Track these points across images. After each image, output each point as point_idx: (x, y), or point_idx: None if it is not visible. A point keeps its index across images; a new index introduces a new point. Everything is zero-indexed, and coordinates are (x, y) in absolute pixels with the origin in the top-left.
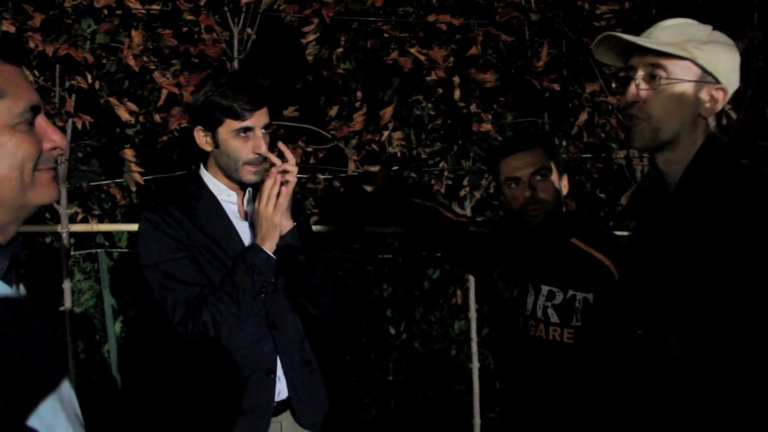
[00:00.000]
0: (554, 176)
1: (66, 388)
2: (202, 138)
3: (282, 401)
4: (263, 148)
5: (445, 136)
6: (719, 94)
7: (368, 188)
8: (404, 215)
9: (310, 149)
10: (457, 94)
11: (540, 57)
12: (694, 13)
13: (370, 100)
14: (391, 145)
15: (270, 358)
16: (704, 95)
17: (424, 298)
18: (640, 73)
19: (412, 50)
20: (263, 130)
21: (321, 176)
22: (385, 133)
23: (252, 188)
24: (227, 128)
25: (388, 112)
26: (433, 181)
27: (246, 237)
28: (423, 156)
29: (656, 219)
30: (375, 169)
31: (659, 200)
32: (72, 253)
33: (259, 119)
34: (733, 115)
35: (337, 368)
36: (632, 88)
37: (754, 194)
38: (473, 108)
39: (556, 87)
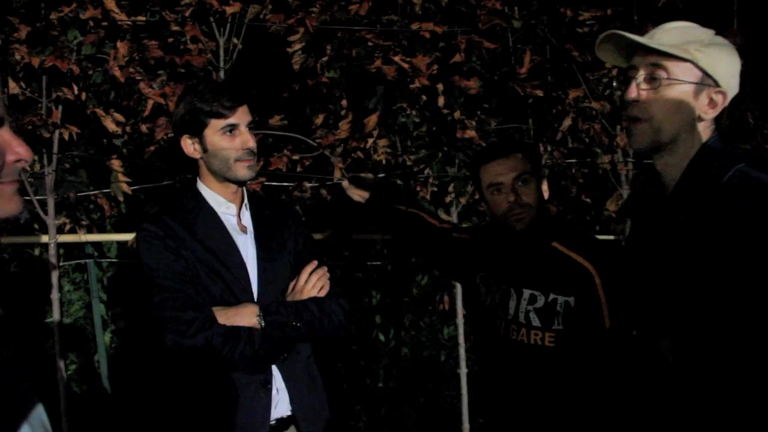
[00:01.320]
0: (536, 180)
1: (37, 411)
2: (189, 146)
3: (284, 417)
4: (251, 143)
5: (431, 142)
6: (719, 98)
7: (354, 196)
8: (388, 222)
9: (296, 157)
10: (441, 101)
11: (523, 64)
12: (675, 18)
13: (355, 108)
14: (377, 153)
15: (267, 371)
16: (704, 98)
17: (412, 304)
18: (641, 73)
19: (396, 58)
20: (248, 128)
21: (308, 184)
22: (370, 141)
23: (249, 200)
24: (213, 129)
25: (372, 120)
26: (418, 188)
27: (245, 250)
28: (408, 163)
29: (653, 222)
30: (360, 177)
31: (656, 203)
32: (61, 263)
33: (242, 116)
34: None
35: (329, 376)
36: (633, 88)
37: (751, 200)
38: (457, 115)
39: (539, 93)
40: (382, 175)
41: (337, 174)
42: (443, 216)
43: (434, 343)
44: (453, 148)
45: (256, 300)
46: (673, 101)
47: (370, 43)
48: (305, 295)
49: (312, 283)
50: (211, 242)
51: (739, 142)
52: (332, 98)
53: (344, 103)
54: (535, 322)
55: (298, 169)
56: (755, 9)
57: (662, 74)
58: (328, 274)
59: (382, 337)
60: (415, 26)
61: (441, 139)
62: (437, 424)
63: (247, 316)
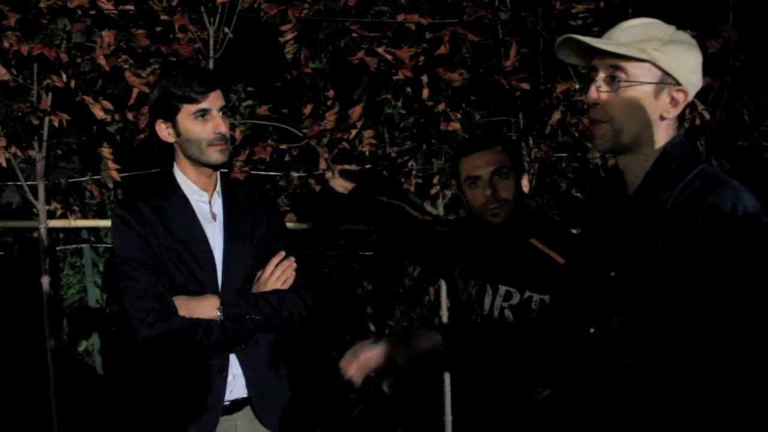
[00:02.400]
0: (515, 175)
1: None
2: (164, 131)
3: (239, 400)
4: (223, 127)
5: (417, 134)
6: (680, 96)
7: (337, 187)
8: (371, 213)
9: (284, 147)
10: (425, 93)
11: (509, 56)
12: (671, 12)
13: (342, 99)
14: (361, 144)
15: (223, 356)
16: (664, 97)
17: (404, 295)
18: (601, 75)
19: (380, 50)
20: (220, 113)
21: (295, 174)
22: (353, 132)
23: (223, 187)
24: (185, 113)
25: (356, 111)
26: (402, 180)
27: (214, 238)
28: (392, 155)
29: (614, 221)
30: (343, 168)
31: (618, 202)
32: (59, 248)
33: (214, 101)
34: (707, 115)
35: (323, 365)
36: (592, 90)
37: (712, 201)
38: (442, 107)
39: (526, 86)
40: (368, 166)
41: (323, 164)
42: (429, 208)
43: None
44: (439, 140)
45: (220, 288)
46: (633, 102)
47: (355, 35)
48: (269, 287)
49: (276, 275)
50: (179, 229)
51: (735, 139)
52: (315, 89)
53: (331, 93)
54: (510, 319)
55: (287, 158)
56: (751, 3)
57: (621, 75)
58: (294, 266)
59: (373, 328)
60: (400, 17)
61: (429, 131)
62: (425, 414)
63: (207, 308)
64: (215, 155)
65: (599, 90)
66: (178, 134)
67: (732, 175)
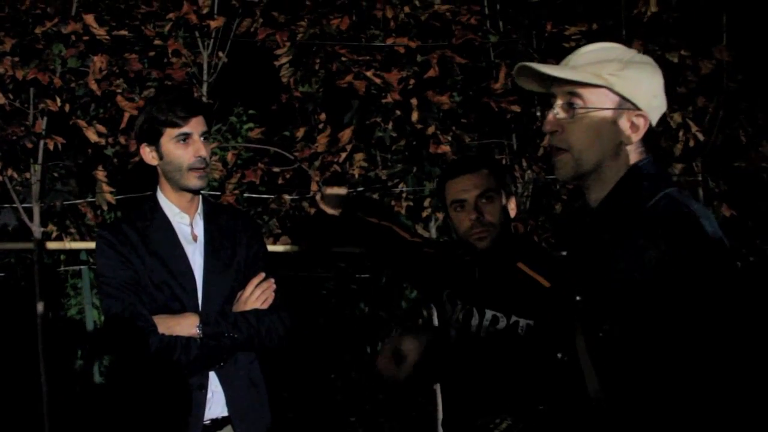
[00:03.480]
0: (501, 198)
1: None
2: (148, 154)
3: (219, 419)
4: (203, 152)
5: (409, 157)
6: (640, 121)
7: (327, 209)
8: (361, 235)
9: (277, 170)
10: (414, 116)
11: (498, 79)
12: (665, 34)
13: (334, 123)
14: (352, 167)
15: (202, 374)
16: (624, 123)
17: (401, 317)
18: (559, 102)
19: (368, 73)
20: (202, 138)
21: (287, 197)
22: (343, 155)
23: (206, 210)
24: (168, 137)
25: (346, 134)
26: (393, 202)
27: (194, 259)
28: (383, 177)
29: (580, 244)
30: (332, 190)
31: (582, 229)
32: (59, 269)
33: (196, 126)
34: (701, 137)
35: (322, 387)
36: (550, 118)
37: (668, 239)
38: (431, 130)
39: (516, 108)
40: (361, 188)
41: (314, 187)
42: (421, 231)
43: None
44: (430, 163)
45: (200, 307)
46: (592, 129)
47: (344, 58)
48: (248, 307)
49: (256, 295)
50: (161, 250)
51: (732, 160)
52: (305, 112)
53: (322, 117)
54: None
55: (279, 181)
56: (745, 25)
57: (578, 102)
58: (274, 286)
59: (369, 350)
60: (390, 41)
61: (420, 154)
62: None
63: (186, 326)
64: (194, 180)
65: (556, 117)
66: (160, 157)
67: (729, 196)
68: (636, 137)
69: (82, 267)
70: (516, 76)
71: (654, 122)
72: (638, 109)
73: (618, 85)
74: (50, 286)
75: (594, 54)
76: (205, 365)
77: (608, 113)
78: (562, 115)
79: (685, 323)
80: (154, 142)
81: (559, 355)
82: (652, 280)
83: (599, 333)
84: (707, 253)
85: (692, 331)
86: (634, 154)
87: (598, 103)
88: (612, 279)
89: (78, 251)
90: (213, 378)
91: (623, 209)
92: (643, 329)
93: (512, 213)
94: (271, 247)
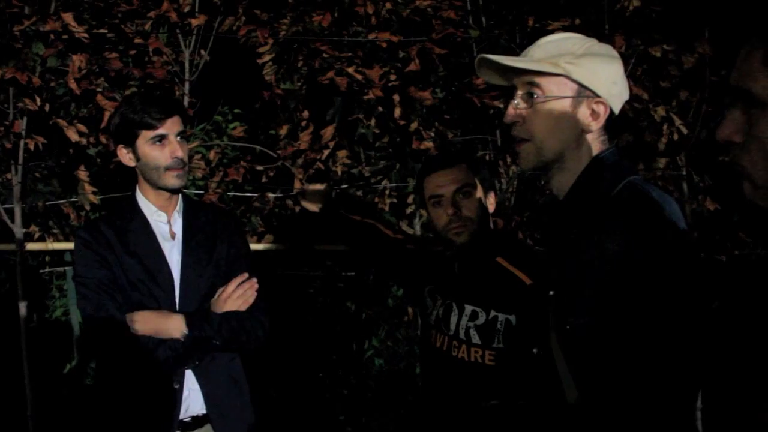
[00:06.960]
0: (479, 193)
1: None
2: (125, 155)
3: (198, 416)
4: (179, 152)
5: (392, 153)
6: (600, 108)
7: (309, 206)
8: (344, 232)
9: (260, 168)
10: (397, 112)
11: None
12: (648, 28)
13: (317, 120)
14: (335, 164)
15: (178, 372)
16: (584, 110)
17: (387, 315)
18: (519, 93)
19: (350, 69)
20: (178, 138)
21: (271, 195)
22: (326, 152)
23: (185, 207)
24: (144, 139)
25: (328, 131)
26: (377, 199)
27: (171, 257)
28: (366, 174)
29: (551, 240)
30: (314, 187)
31: (553, 221)
32: (42, 270)
33: (171, 127)
34: (684, 130)
35: (311, 385)
36: (510, 109)
37: (627, 216)
38: (414, 126)
39: (499, 104)
40: (344, 186)
41: (297, 185)
42: (405, 228)
43: (410, 354)
44: (413, 160)
45: (177, 306)
46: (552, 118)
47: (326, 55)
48: (227, 306)
49: (237, 294)
50: (138, 249)
51: (717, 154)
52: (286, 109)
53: (305, 114)
54: (475, 339)
55: (263, 179)
56: (727, 18)
57: (537, 92)
58: (256, 287)
59: (356, 348)
60: (372, 36)
61: (404, 150)
62: None
63: (173, 328)
64: (172, 180)
65: (517, 108)
66: (137, 159)
67: (713, 190)
68: (597, 125)
69: (66, 268)
70: (477, 68)
71: (616, 110)
72: (597, 96)
73: (575, 72)
74: (35, 287)
75: (553, 44)
76: (179, 364)
77: (567, 101)
78: (522, 105)
79: (644, 312)
80: (130, 144)
81: (534, 350)
82: (614, 270)
83: (566, 326)
84: (668, 240)
85: (649, 319)
86: (596, 143)
87: (557, 91)
88: (578, 271)
89: (62, 252)
90: (189, 376)
91: (588, 199)
92: (606, 321)
93: (491, 208)
94: (254, 246)
